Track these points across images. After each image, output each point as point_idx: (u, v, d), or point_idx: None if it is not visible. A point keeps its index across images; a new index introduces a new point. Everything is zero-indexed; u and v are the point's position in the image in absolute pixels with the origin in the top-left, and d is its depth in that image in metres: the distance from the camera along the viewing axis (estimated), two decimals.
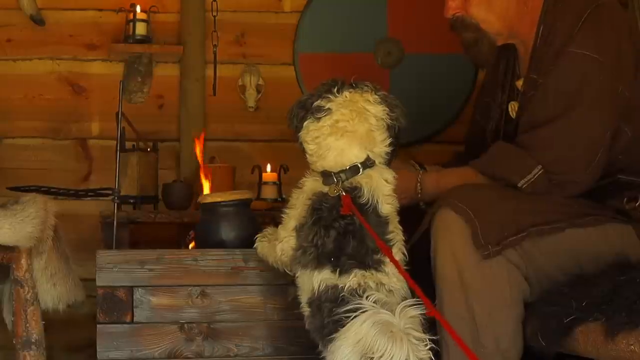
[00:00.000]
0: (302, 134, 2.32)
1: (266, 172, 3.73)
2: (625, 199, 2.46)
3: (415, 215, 2.50)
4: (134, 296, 2.55)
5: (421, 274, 2.37)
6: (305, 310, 2.27)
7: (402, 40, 4.02)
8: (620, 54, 2.51)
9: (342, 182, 2.27)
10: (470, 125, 2.99)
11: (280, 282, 2.52)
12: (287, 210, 2.36)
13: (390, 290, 2.18)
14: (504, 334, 2.35)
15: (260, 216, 2.95)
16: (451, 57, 3.83)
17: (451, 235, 2.36)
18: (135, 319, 2.55)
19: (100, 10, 3.94)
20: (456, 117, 4.01)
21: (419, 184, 2.65)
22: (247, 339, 2.59)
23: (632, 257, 2.39)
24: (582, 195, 2.50)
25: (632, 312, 1.99)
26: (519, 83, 2.67)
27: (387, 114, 2.30)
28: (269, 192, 3.70)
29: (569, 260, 2.41)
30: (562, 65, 2.50)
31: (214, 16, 3.91)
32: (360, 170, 2.28)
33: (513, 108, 2.69)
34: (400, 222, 2.32)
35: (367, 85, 2.33)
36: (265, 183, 3.72)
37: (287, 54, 4.03)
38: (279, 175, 3.71)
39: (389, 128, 2.31)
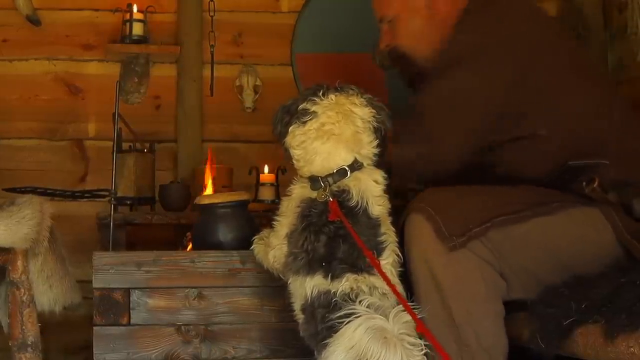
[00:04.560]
0: (288, 139, 2.30)
1: (264, 173, 3.72)
2: (584, 182, 2.44)
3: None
4: (131, 298, 2.54)
5: None
6: (299, 317, 2.25)
7: None
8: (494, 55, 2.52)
9: (330, 186, 2.25)
10: None
11: (278, 284, 2.50)
12: (278, 218, 2.35)
13: (383, 294, 2.15)
14: (484, 330, 2.34)
15: (258, 217, 2.94)
16: None
17: (419, 238, 2.35)
18: (131, 321, 2.54)
19: (97, 10, 3.94)
20: None
21: None
22: (244, 341, 2.58)
23: (603, 240, 2.41)
24: (543, 186, 2.50)
25: (632, 314, 1.98)
26: None
27: (374, 117, 2.29)
28: (266, 194, 3.69)
29: (542, 250, 2.41)
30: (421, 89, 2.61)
31: (212, 16, 3.91)
32: (348, 173, 2.26)
33: None
34: (394, 223, 2.30)
35: (352, 89, 2.31)
36: (263, 184, 3.71)
37: (284, 54, 4.02)
38: (276, 176, 3.70)
39: (376, 131, 2.30)
